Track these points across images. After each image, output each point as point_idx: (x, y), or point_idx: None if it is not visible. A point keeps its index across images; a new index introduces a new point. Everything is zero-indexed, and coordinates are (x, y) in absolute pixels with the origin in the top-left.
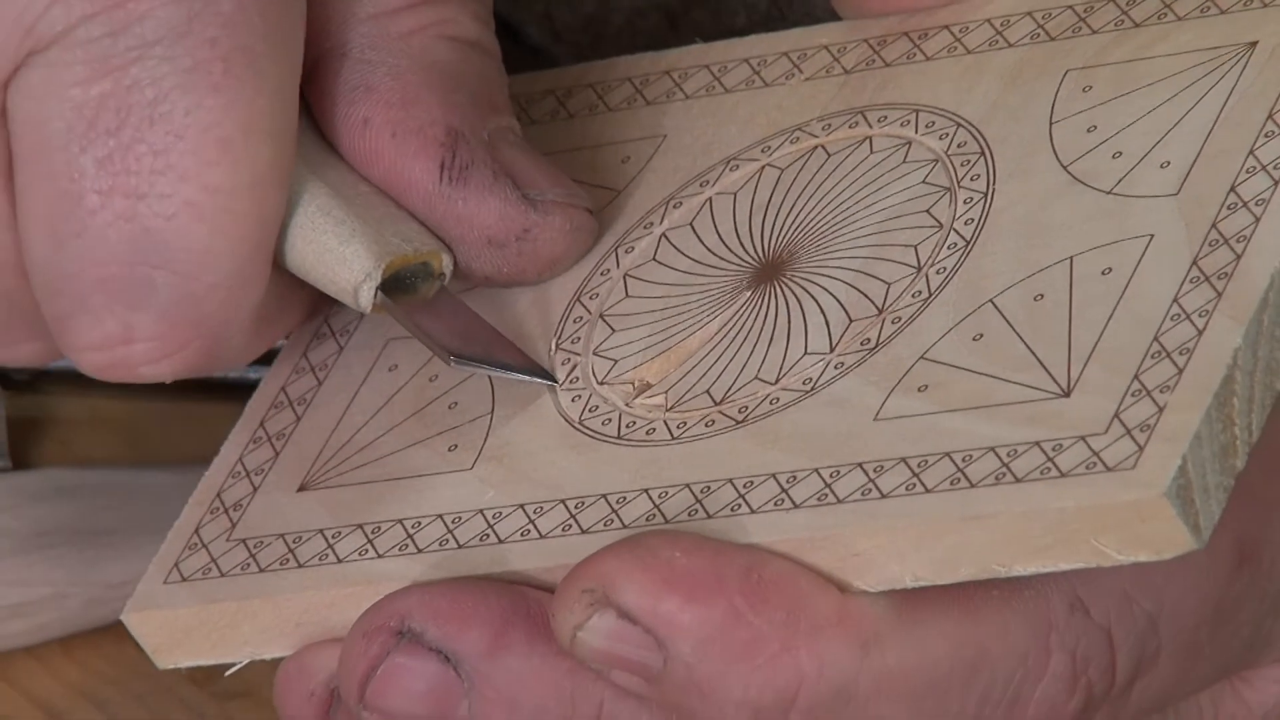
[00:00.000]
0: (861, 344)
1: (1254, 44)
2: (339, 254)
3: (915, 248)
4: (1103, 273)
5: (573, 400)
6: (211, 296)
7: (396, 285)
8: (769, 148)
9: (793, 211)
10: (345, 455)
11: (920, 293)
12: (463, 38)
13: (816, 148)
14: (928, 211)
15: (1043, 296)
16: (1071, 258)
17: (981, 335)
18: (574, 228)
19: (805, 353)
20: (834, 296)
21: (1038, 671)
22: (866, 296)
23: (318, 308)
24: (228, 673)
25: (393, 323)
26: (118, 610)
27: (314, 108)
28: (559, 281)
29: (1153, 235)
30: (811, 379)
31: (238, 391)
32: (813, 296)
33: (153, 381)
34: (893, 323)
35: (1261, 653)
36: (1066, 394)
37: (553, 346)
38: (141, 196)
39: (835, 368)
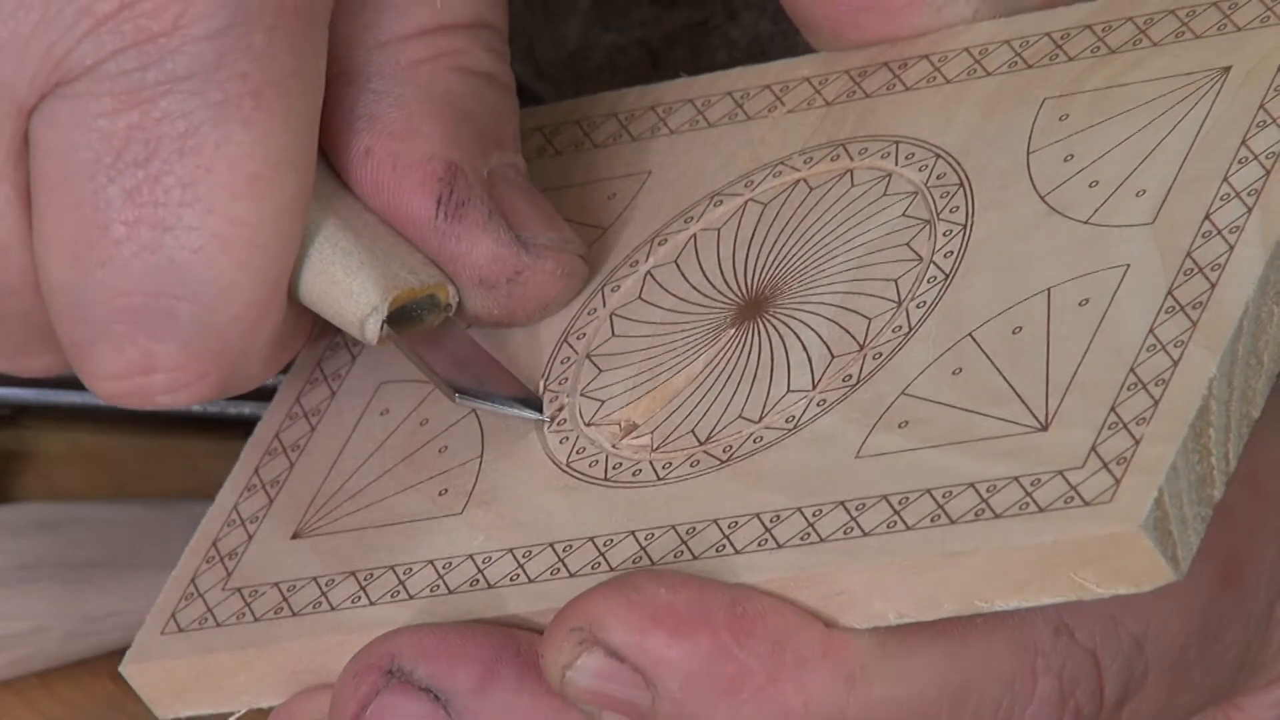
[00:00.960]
0: (843, 380)
1: (1228, 69)
2: (346, 287)
3: (895, 281)
4: (1080, 304)
5: (560, 442)
6: (233, 328)
7: (402, 318)
8: (751, 182)
9: (775, 247)
10: (338, 502)
11: (900, 327)
12: (474, 69)
13: (799, 182)
14: (908, 245)
15: (1021, 329)
16: (1049, 289)
17: (961, 369)
18: (565, 273)
19: (788, 390)
20: (816, 332)
21: (1025, 697)
22: (848, 332)
23: (324, 331)
24: None
25: (384, 366)
26: (98, 644)
27: (320, 134)
28: (547, 321)
29: (1129, 265)
30: (794, 417)
31: (218, 426)
32: (795, 333)
33: (166, 408)
34: (874, 358)
35: (1252, 676)
36: (1044, 428)
37: (541, 387)
38: (169, 229)
39: (818, 405)
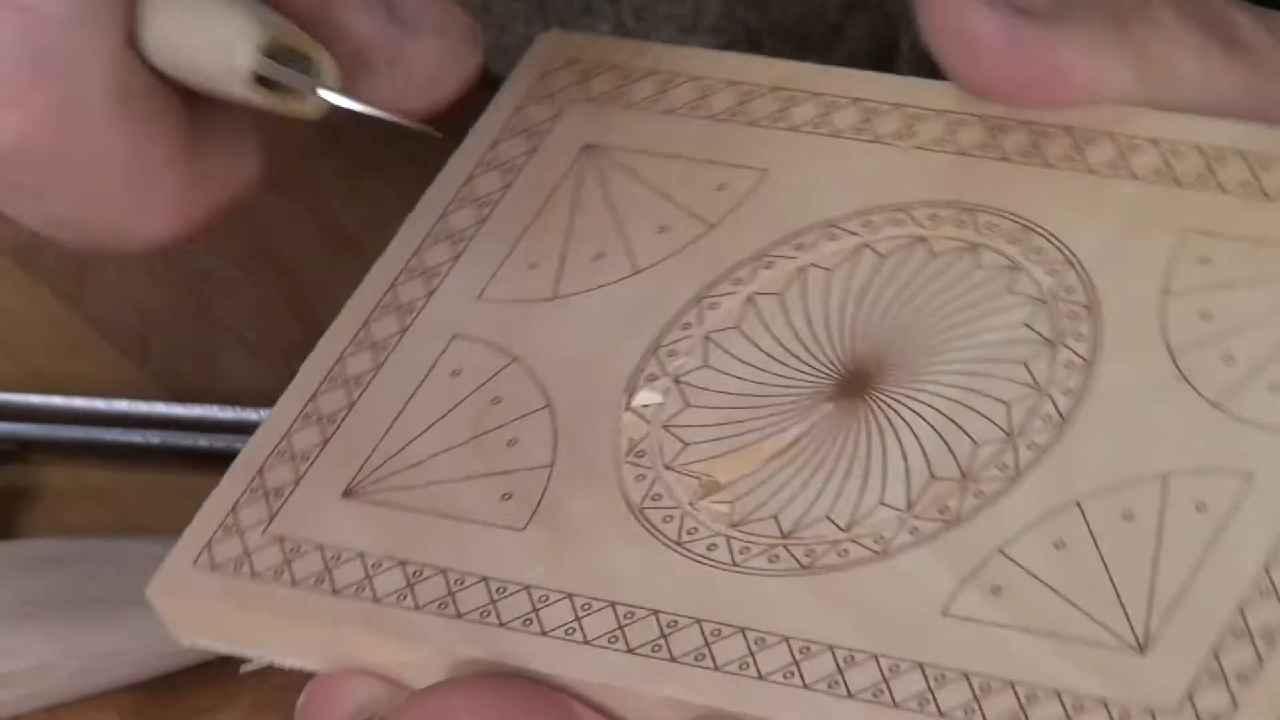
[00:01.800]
0: (940, 511)
1: None
2: (219, 14)
3: (1008, 406)
4: (1197, 507)
5: (637, 479)
6: (55, 33)
7: (274, 84)
8: (871, 223)
9: (889, 313)
10: (395, 468)
11: (1008, 467)
12: None
13: (921, 240)
14: (1025, 365)
15: (1133, 516)
16: (1166, 476)
17: (1064, 544)
18: (450, 56)
19: (880, 503)
20: (919, 441)
21: None
22: (952, 453)
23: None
24: (243, 669)
25: (461, 314)
26: (105, 680)
27: None
28: (636, 320)
29: (1252, 475)
30: (884, 538)
31: (225, 462)
32: (896, 434)
33: (8, 158)
34: (975, 496)
35: None
36: (1141, 650)
37: (623, 403)
38: None
39: (910, 532)
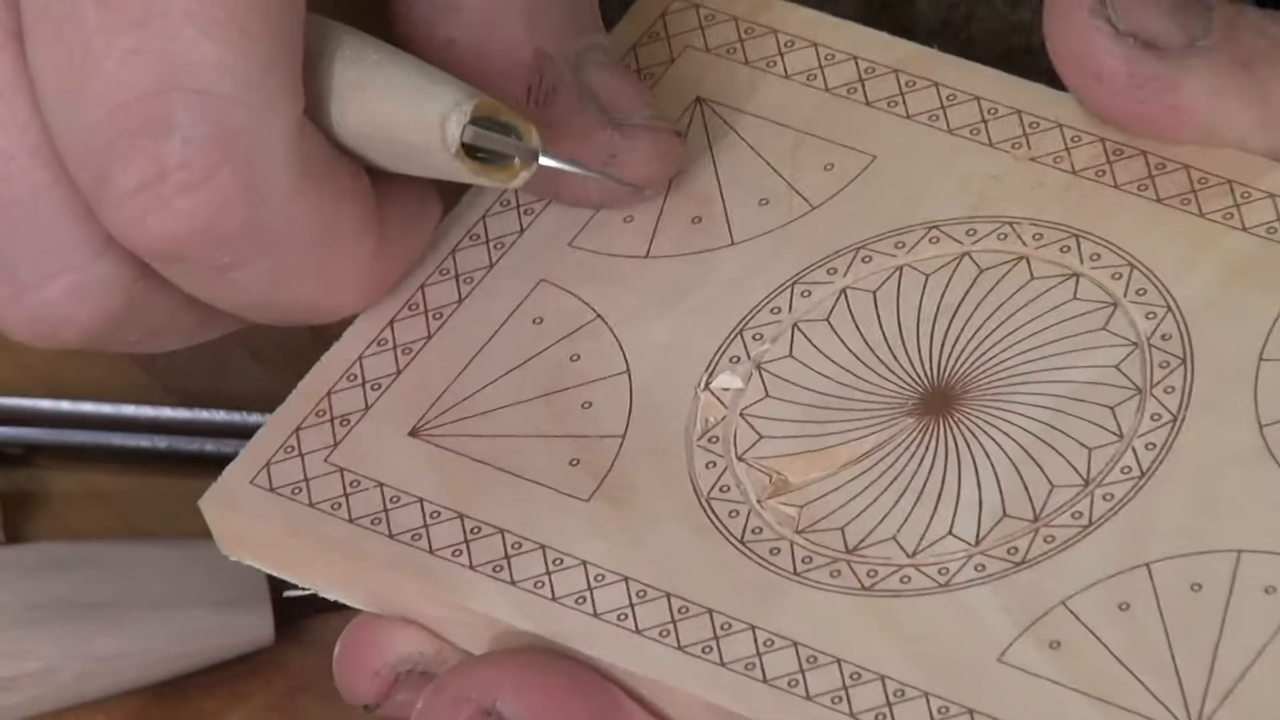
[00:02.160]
0: (1008, 552)
1: None
2: (422, 88)
3: (1090, 451)
4: (1265, 590)
5: (707, 466)
6: (232, 111)
7: (478, 150)
8: (975, 231)
9: (982, 332)
10: (465, 412)
11: (1081, 515)
12: None
13: (1023, 260)
14: (1111, 410)
15: (1200, 588)
16: (1239, 553)
17: (1129, 606)
18: (661, 152)
19: (949, 533)
20: (995, 472)
21: None
22: (1028, 492)
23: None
24: (286, 593)
25: (550, 258)
26: (110, 684)
27: (398, 29)
28: (726, 298)
29: None
30: (949, 570)
31: None
32: (974, 461)
33: (200, 239)
34: (1045, 540)
35: None
36: None
37: (702, 381)
38: (142, 24)
39: (976, 569)
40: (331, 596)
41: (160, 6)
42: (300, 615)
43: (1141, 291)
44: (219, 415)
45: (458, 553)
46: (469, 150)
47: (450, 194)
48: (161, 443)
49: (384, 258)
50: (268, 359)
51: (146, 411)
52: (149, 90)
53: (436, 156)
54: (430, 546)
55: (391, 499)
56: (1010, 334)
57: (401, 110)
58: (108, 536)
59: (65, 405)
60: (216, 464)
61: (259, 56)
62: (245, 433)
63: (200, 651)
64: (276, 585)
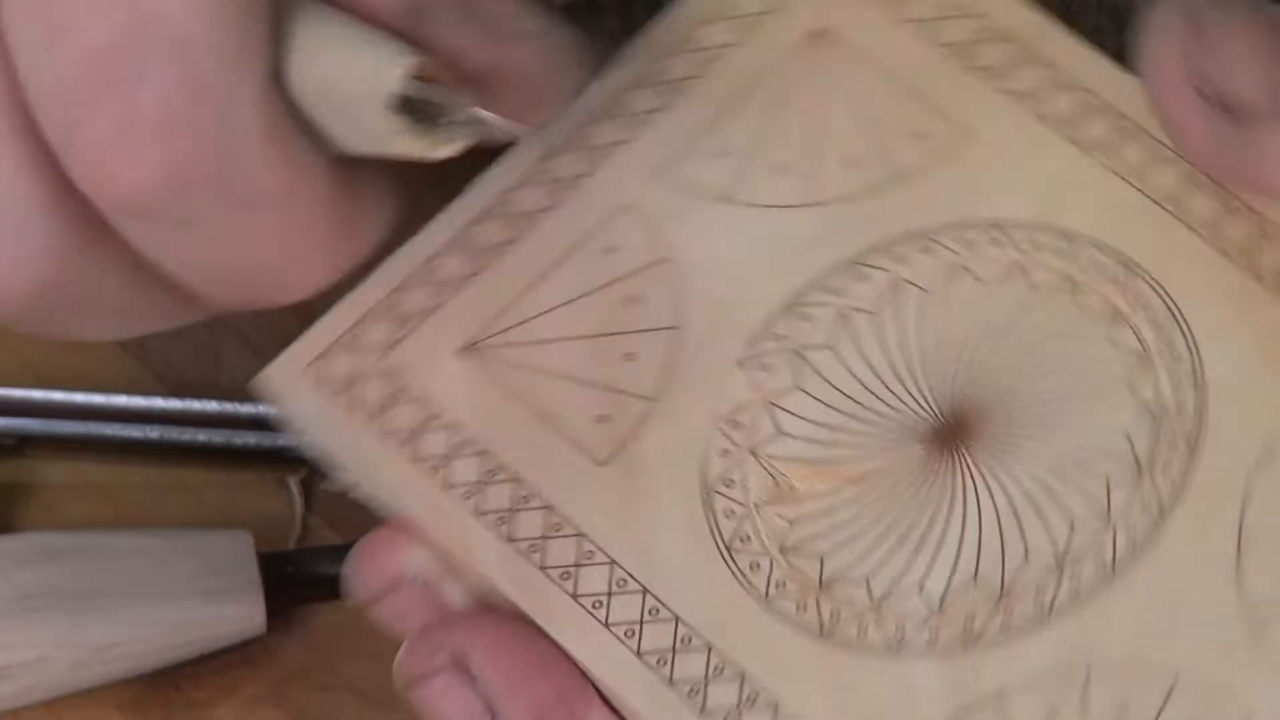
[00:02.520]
0: (965, 623)
1: None
2: (369, 42)
3: (1073, 527)
4: None
5: (721, 453)
6: (205, 61)
7: (418, 111)
8: (1037, 242)
9: (1010, 362)
10: (516, 338)
11: (1044, 607)
12: None
13: (1074, 286)
14: (1107, 481)
15: (1127, 709)
16: (1178, 673)
17: (1055, 713)
18: (550, 69)
19: (919, 587)
20: (980, 527)
21: None
22: (1003, 556)
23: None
24: (323, 485)
25: (637, 185)
26: (103, 674)
27: None
28: (789, 263)
29: (1252, 715)
30: (904, 632)
31: (222, 457)
32: (964, 511)
33: (168, 188)
34: (1003, 620)
35: None
36: None
37: (743, 354)
38: None
39: (928, 640)
40: (362, 491)
41: None
42: (292, 605)
43: (1174, 352)
44: (211, 405)
45: (469, 494)
46: (407, 106)
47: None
48: (154, 433)
49: (347, 235)
50: (261, 348)
51: (138, 401)
52: (122, 37)
53: (370, 109)
54: (447, 481)
55: (425, 419)
56: (1038, 367)
57: (345, 65)
58: (100, 527)
59: (57, 395)
60: (209, 454)
61: (233, 5)
62: (237, 423)
63: (192, 641)
64: (268, 575)
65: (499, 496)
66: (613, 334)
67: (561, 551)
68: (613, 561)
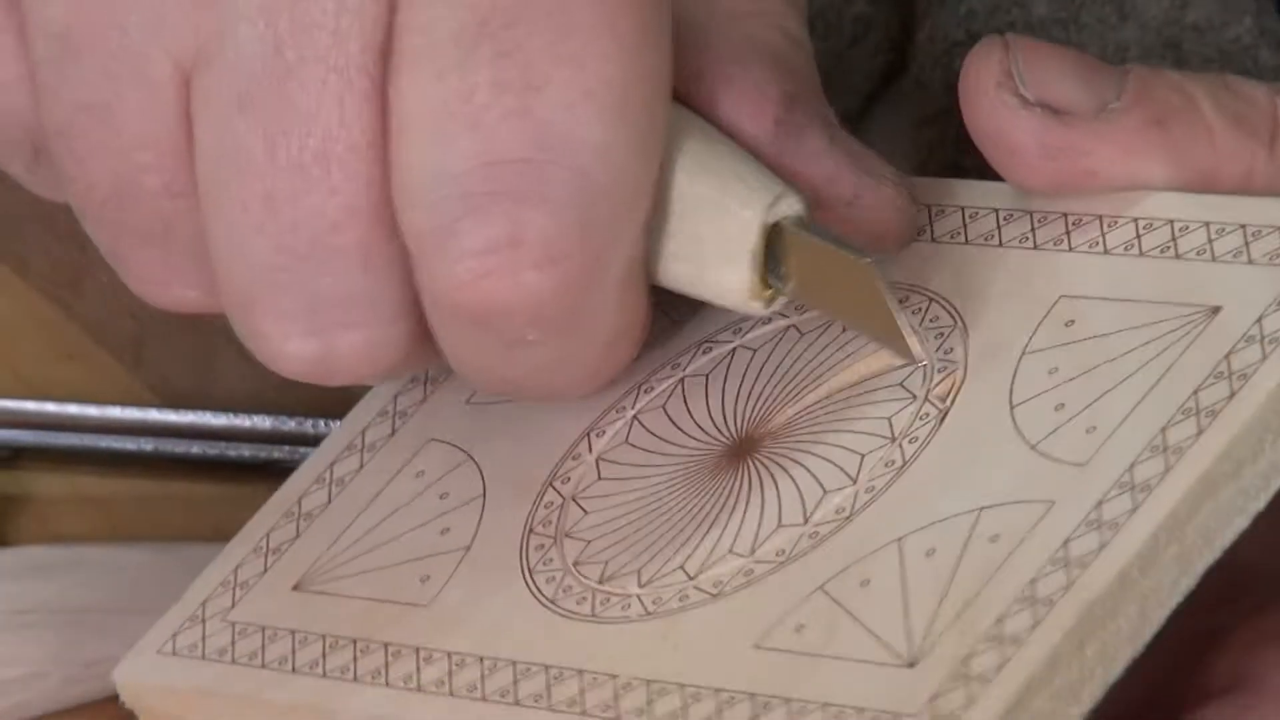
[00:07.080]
0: (776, 554)
1: (1217, 309)
2: (739, 178)
3: (862, 456)
4: (991, 539)
5: (536, 548)
6: (605, 201)
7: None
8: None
9: (794, 385)
10: (340, 559)
11: (844, 510)
12: (792, 33)
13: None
14: (889, 420)
15: (934, 552)
16: (980, 511)
17: (869, 582)
18: (901, 206)
19: (729, 551)
20: (778, 491)
21: None
22: (802, 500)
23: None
24: None
25: (446, 416)
26: (97, 689)
27: None
28: (573, 413)
29: (1054, 503)
30: (722, 583)
31: (218, 470)
32: (761, 487)
33: (525, 315)
34: (810, 539)
35: None
36: (910, 665)
37: (549, 480)
38: (537, 88)
39: (745, 575)
40: None
41: (561, 77)
42: None
43: (936, 318)
44: (206, 417)
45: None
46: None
47: None
48: (148, 445)
49: (632, 356)
50: (255, 360)
51: (132, 413)
52: (527, 155)
53: (735, 268)
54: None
55: (269, 636)
56: (819, 382)
57: (715, 196)
58: (94, 540)
59: (50, 407)
60: (203, 466)
61: (643, 142)
62: (232, 435)
63: None
64: None
65: (340, 658)
66: (425, 524)
67: (403, 666)
68: (449, 652)
